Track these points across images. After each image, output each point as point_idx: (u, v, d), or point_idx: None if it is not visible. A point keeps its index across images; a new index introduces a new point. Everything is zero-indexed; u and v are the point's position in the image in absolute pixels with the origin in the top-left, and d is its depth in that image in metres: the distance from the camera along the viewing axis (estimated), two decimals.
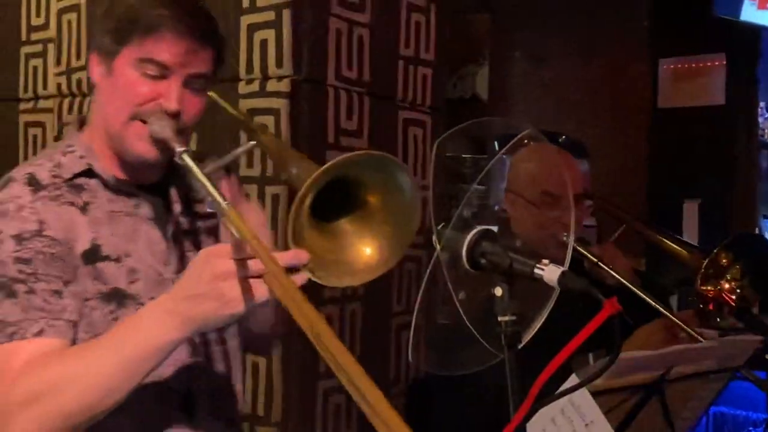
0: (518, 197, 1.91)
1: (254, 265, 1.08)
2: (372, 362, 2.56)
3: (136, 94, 1.30)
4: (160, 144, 1.29)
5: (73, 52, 2.79)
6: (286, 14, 2.30)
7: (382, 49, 2.60)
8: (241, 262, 1.09)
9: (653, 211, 4.75)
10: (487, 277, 0.90)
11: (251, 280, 1.09)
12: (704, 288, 1.77)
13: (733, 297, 1.78)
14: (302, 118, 2.31)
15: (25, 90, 2.97)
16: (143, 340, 1.16)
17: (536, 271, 0.86)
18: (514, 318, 0.88)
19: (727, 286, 1.79)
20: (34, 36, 2.93)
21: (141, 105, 1.30)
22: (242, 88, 2.36)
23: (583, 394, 1.14)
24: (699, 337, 1.67)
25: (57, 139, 2.83)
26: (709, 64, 4.89)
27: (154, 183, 1.43)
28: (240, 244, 1.09)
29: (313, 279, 1.04)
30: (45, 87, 2.84)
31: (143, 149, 1.32)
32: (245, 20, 2.37)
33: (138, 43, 1.30)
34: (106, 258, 1.33)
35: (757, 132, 5.10)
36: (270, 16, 2.32)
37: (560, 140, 3.71)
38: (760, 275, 1.79)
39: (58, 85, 2.85)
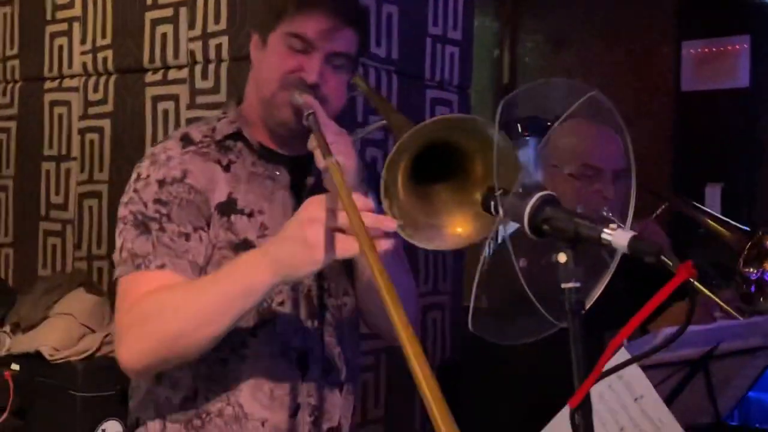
0: (558, 170, 1.88)
1: (343, 218, 1.13)
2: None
3: (282, 65, 1.41)
4: (299, 112, 1.38)
5: (99, 30, 2.78)
6: None
7: (410, 27, 2.58)
8: (332, 212, 1.14)
9: (674, 192, 4.72)
10: (549, 244, 0.88)
11: (339, 234, 1.14)
12: (747, 269, 1.74)
13: None
14: None
15: (50, 69, 2.95)
16: (239, 278, 1.25)
17: (604, 235, 0.84)
18: (578, 285, 0.86)
19: None
20: (59, 15, 2.92)
21: (286, 75, 1.41)
22: None
23: (634, 368, 1.12)
24: (737, 316, 1.65)
25: (82, 118, 2.83)
26: (734, 46, 4.84)
27: (298, 156, 1.50)
28: (335, 197, 1.15)
29: (401, 234, 1.05)
30: (176, 56, 2.66)
31: (285, 115, 1.42)
32: None
33: (289, 19, 1.42)
34: (240, 212, 1.43)
35: None
36: None
37: None
38: None
39: (84, 64, 2.83)
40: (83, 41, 2.83)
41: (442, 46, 2.71)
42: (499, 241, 0.92)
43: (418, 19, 2.62)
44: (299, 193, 1.49)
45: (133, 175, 1.46)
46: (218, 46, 2.48)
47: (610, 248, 0.84)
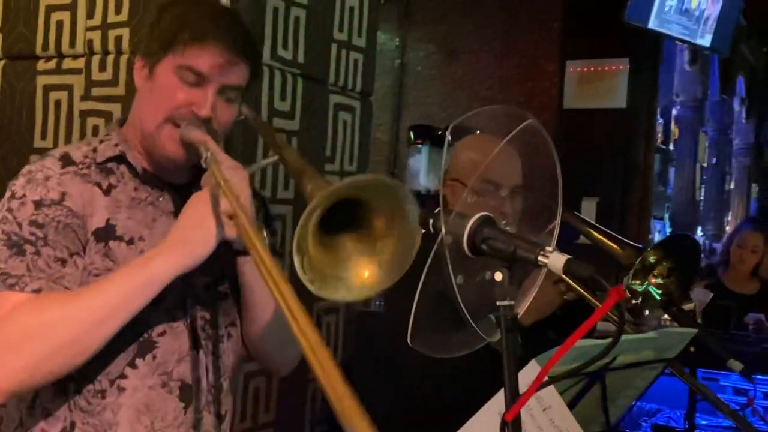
0: (459, 184, 1.92)
1: (225, 204, 1.24)
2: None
3: (172, 98, 1.38)
4: (189, 147, 1.37)
5: (111, 4, 2.46)
6: None
7: (316, 32, 2.58)
8: (216, 200, 1.26)
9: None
10: (483, 262, 0.91)
11: (225, 218, 1.25)
12: (634, 283, 1.84)
13: (660, 292, 1.85)
14: None
15: (45, 47, 2.57)
16: (137, 273, 1.26)
17: (541, 258, 0.88)
18: (512, 303, 0.90)
19: (654, 281, 1.87)
20: None
21: (176, 109, 1.38)
22: None
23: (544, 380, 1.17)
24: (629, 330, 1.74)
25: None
26: (613, 68, 5.09)
27: (182, 183, 1.48)
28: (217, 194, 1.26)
29: (311, 288, 1.06)
30: (73, 45, 2.49)
31: (172, 150, 1.39)
32: None
33: (181, 50, 1.37)
34: (119, 238, 1.39)
35: (654, 137, 5.35)
36: None
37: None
38: (686, 274, 1.87)
39: (89, 42, 2.50)
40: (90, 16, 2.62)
41: (347, 52, 2.73)
42: (431, 258, 0.95)
43: (324, 24, 2.63)
44: None
45: (8, 193, 1.39)
46: (118, 38, 2.40)
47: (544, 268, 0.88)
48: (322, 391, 0.83)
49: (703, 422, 2.91)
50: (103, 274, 1.36)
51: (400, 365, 1.91)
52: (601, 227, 1.96)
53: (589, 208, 5.15)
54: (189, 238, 1.26)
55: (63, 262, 1.33)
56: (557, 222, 0.99)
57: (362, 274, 1.10)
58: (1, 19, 2.59)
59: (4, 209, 1.36)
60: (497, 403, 1.15)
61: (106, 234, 1.38)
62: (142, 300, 1.27)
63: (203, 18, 1.40)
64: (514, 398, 0.88)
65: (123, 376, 1.37)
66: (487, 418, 1.18)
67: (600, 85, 5.14)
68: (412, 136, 4.68)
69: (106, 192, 1.41)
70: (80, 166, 1.41)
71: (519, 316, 0.92)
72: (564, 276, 0.86)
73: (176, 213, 1.43)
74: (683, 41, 4.90)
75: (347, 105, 2.75)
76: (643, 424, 3.13)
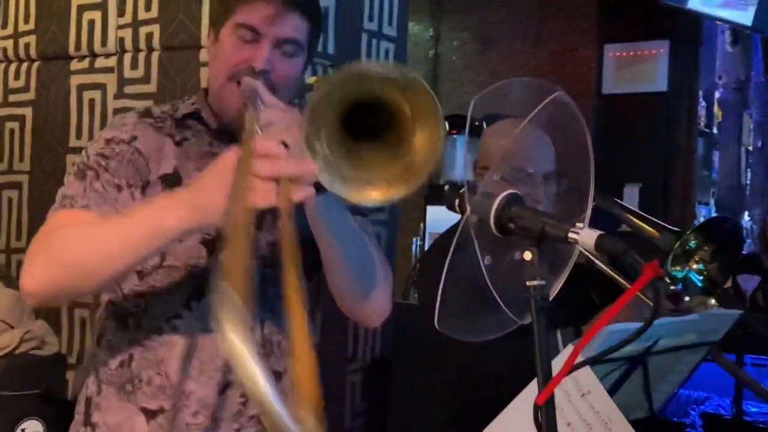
0: (488, 173, 1.88)
1: (258, 164, 1.12)
2: (330, 339, 2.54)
3: (231, 57, 1.42)
4: (250, 100, 1.36)
5: (21, 15, 2.66)
6: None
7: (346, 22, 2.57)
8: (249, 160, 1.14)
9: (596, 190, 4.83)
10: (512, 242, 0.88)
11: (257, 181, 1.12)
12: (674, 268, 1.78)
13: (701, 278, 1.79)
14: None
15: (77, 47, 2.61)
16: (148, 218, 1.25)
17: (571, 234, 0.84)
18: (543, 283, 0.87)
19: (695, 267, 1.81)
20: None
21: (235, 66, 1.41)
22: (203, 56, 2.29)
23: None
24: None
25: (1, 105, 2.71)
26: (653, 51, 4.99)
27: None
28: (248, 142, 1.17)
29: (326, 184, 1.03)
30: (104, 44, 2.53)
31: (236, 105, 1.40)
32: None
33: (235, 10, 1.42)
34: (184, 184, 1.40)
35: (697, 120, 5.23)
36: None
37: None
38: (728, 258, 1.81)
39: (4, 50, 2.71)
40: (4, 26, 2.71)
41: (377, 42, 2.71)
42: (456, 237, 0.92)
43: (354, 15, 2.61)
44: None
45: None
46: (149, 35, 2.41)
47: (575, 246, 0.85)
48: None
49: (753, 409, 2.84)
50: None
51: (439, 357, 1.88)
52: (639, 212, 1.90)
53: (631, 195, 5.06)
54: (210, 200, 1.19)
55: (119, 188, 1.40)
56: (590, 198, 0.95)
57: (387, 180, 1.06)
58: (35, 22, 2.63)
59: (83, 151, 1.46)
60: (532, 388, 1.12)
61: (173, 180, 1.43)
62: (150, 247, 1.26)
63: None
64: (546, 381, 0.85)
65: (178, 315, 1.40)
66: (524, 404, 1.15)
67: (639, 68, 5.04)
68: (446, 127, 4.63)
69: (178, 144, 1.47)
70: (157, 120, 1.48)
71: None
72: (594, 253, 0.82)
73: None
74: (724, 21, 4.78)
75: None
76: (692, 412, 3.07)
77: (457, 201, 0.98)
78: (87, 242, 1.30)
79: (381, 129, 1.09)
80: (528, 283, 0.86)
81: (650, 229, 1.94)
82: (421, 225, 4.56)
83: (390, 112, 1.06)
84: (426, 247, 4.48)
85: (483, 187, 0.98)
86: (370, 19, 2.67)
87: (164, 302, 1.39)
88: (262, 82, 1.37)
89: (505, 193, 0.92)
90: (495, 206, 0.91)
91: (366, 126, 1.08)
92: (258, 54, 1.39)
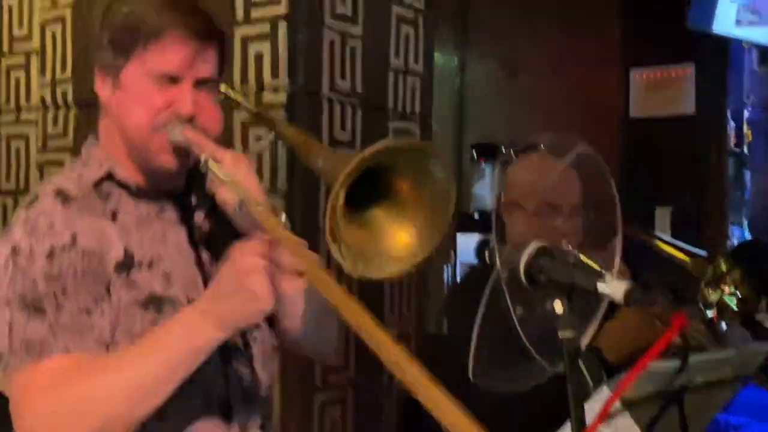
0: (517, 208, 1.91)
1: (284, 258, 1.10)
2: (365, 371, 2.56)
3: (149, 105, 1.27)
4: (181, 151, 1.28)
5: (59, 63, 2.74)
6: (282, 26, 2.29)
7: (373, 59, 2.61)
8: (266, 257, 1.11)
9: (625, 218, 4.81)
10: (543, 292, 0.90)
11: (283, 276, 1.11)
12: (707, 294, 1.79)
13: (735, 302, 1.80)
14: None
15: (7, 102, 2.91)
16: (180, 342, 1.16)
17: (600, 287, 0.86)
18: (575, 334, 0.88)
19: (729, 290, 1.81)
20: (17, 48, 2.88)
21: (156, 115, 1.28)
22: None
23: (622, 412, 1.14)
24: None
25: (40, 152, 2.79)
26: (679, 72, 4.97)
27: (178, 190, 1.40)
28: (268, 240, 1.11)
29: (356, 274, 1.03)
30: (28, 99, 2.79)
31: (166, 160, 1.30)
32: (239, 32, 2.36)
33: (141, 53, 1.27)
34: (139, 265, 1.30)
35: (727, 141, 5.19)
36: (265, 28, 2.32)
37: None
38: (761, 280, 1.81)
39: (42, 98, 2.79)
40: (42, 74, 2.79)
41: (404, 77, 2.75)
42: (487, 292, 0.93)
43: (380, 52, 2.65)
44: (190, 231, 1.38)
45: (6, 249, 1.25)
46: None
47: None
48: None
49: None
50: (131, 307, 1.27)
51: (468, 390, 1.89)
52: (669, 239, 1.91)
53: (663, 218, 5.02)
54: (243, 310, 1.14)
55: (88, 312, 1.23)
56: (618, 247, 0.97)
57: (402, 242, 1.05)
58: (72, 69, 2.72)
59: (9, 269, 1.23)
60: None
61: (127, 265, 1.28)
62: (190, 369, 1.18)
63: (154, 10, 1.27)
64: (580, 429, 0.86)
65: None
66: None
67: (666, 91, 5.02)
68: (474, 155, 4.66)
69: (113, 218, 1.31)
70: (80, 200, 1.30)
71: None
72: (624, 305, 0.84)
73: (182, 221, 1.37)
74: (750, 43, 4.76)
75: (407, 129, 2.77)
76: None
77: (487, 253, 1.00)
78: (117, 392, 1.15)
79: (383, 191, 1.08)
80: (560, 335, 0.88)
81: (681, 255, 1.94)
82: (452, 253, 4.58)
83: (388, 176, 1.06)
84: (457, 276, 4.49)
85: (516, 236, 0.99)
86: (396, 55, 2.71)
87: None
88: (192, 130, 1.26)
89: (534, 246, 0.94)
90: (524, 259, 0.93)
91: (368, 190, 1.07)
92: (180, 97, 1.27)
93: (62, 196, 1.29)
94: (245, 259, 1.12)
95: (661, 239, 2.02)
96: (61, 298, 1.21)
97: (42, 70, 2.79)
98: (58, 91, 2.76)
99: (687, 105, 4.96)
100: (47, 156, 2.78)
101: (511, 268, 0.93)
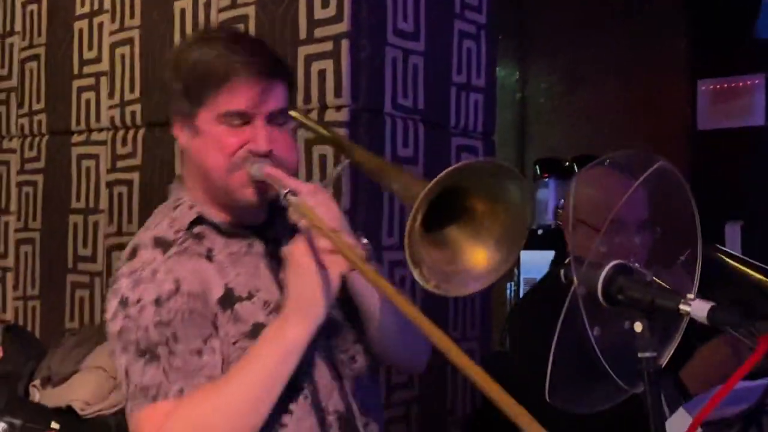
0: (583, 225, 1.87)
1: (326, 242, 1.22)
2: (429, 391, 2.54)
3: (226, 146, 1.34)
4: (261, 185, 1.34)
5: (127, 84, 2.82)
6: (345, 44, 2.30)
7: (435, 76, 2.61)
8: (313, 245, 1.23)
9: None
10: (620, 311, 0.88)
11: (331, 256, 1.22)
12: None
13: None
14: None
15: (77, 122, 2.99)
16: (273, 347, 1.25)
17: (683, 307, 0.84)
18: (654, 354, 0.86)
19: None
20: (86, 69, 2.96)
21: (234, 155, 1.34)
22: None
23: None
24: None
25: (110, 171, 2.86)
26: (748, 83, 4.85)
27: (260, 224, 1.47)
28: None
29: (440, 293, 1.04)
30: (98, 120, 2.88)
31: (249, 196, 1.36)
32: (302, 51, 2.38)
33: (213, 98, 1.33)
34: (240, 299, 1.37)
35: None
36: (328, 46, 2.33)
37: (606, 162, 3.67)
38: None
39: (111, 118, 2.87)
40: (111, 95, 2.86)
41: (466, 94, 2.73)
42: (564, 311, 0.92)
43: (442, 69, 2.64)
44: (278, 261, 1.42)
45: (114, 300, 1.33)
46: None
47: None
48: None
49: None
50: (240, 340, 1.34)
51: (537, 408, 1.86)
52: (743, 258, 1.85)
53: (733, 233, 4.89)
54: (312, 297, 1.24)
55: (199, 352, 1.30)
56: (698, 266, 0.94)
57: (481, 261, 1.07)
58: (140, 89, 2.78)
59: (120, 318, 1.31)
60: None
61: (229, 300, 1.36)
62: (289, 369, 1.26)
63: (220, 57, 1.34)
64: None
65: (282, 425, 1.34)
66: None
67: (735, 103, 4.90)
68: (538, 170, 4.61)
69: (209, 258, 1.38)
70: (177, 244, 1.37)
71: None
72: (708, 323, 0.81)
73: (268, 254, 1.44)
74: None
75: (469, 146, 2.75)
76: None
77: (562, 272, 0.98)
78: (227, 407, 1.23)
79: (458, 210, 1.09)
80: (640, 355, 0.86)
81: (758, 275, 1.88)
82: (515, 270, 4.53)
83: (462, 195, 1.07)
84: (520, 293, 4.43)
85: (591, 256, 0.98)
86: (459, 71, 2.70)
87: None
88: (271, 165, 1.32)
89: (612, 264, 0.92)
90: (602, 278, 0.91)
91: (443, 210, 1.09)
92: (256, 136, 1.33)
93: (160, 243, 1.37)
94: (296, 257, 1.25)
95: (735, 258, 1.95)
96: (172, 343, 1.29)
97: (111, 91, 2.86)
98: (127, 111, 2.82)
99: (756, 116, 4.83)
100: (116, 175, 2.84)
101: (588, 287, 0.91)
